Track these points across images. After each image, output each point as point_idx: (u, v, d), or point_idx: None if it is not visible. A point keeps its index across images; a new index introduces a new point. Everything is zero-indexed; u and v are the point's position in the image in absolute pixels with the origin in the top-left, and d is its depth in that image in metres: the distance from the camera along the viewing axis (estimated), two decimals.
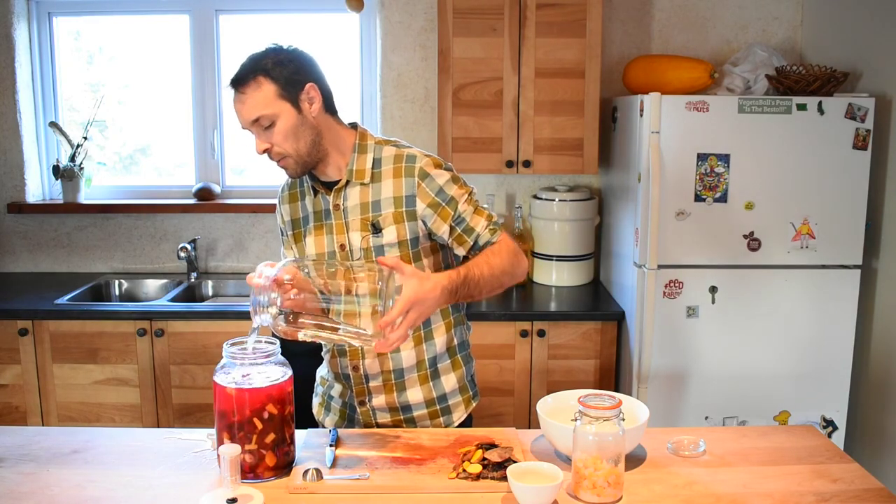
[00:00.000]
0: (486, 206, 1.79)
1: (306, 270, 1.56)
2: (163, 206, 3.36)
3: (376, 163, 1.75)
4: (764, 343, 2.72)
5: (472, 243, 1.74)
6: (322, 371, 1.95)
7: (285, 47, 1.69)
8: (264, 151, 1.68)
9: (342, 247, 1.76)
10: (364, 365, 1.80)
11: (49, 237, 3.44)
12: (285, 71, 1.65)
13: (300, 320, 1.54)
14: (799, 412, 2.76)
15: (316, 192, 1.79)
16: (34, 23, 3.37)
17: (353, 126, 1.80)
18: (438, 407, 1.84)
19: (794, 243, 2.68)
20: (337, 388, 1.89)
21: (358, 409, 1.84)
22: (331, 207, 1.76)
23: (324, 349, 1.90)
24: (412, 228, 1.73)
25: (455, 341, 1.85)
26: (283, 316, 1.51)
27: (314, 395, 1.98)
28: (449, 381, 1.84)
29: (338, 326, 1.56)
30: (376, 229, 1.73)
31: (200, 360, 2.86)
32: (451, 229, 1.74)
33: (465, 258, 1.78)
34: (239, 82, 1.64)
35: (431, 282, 1.53)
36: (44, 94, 3.44)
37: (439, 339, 1.81)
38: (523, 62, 2.96)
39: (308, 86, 1.67)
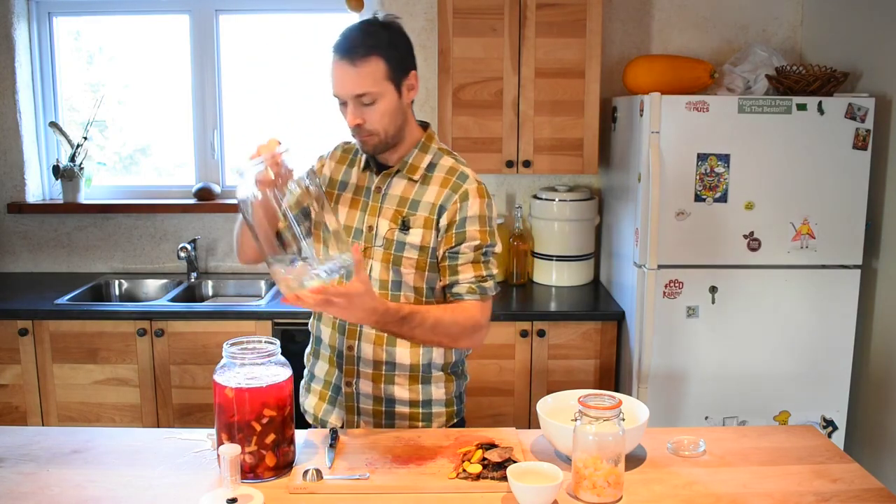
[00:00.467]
0: (493, 268, 1.77)
1: (315, 187, 1.56)
2: (163, 206, 3.36)
3: (431, 166, 1.77)
4: (764, 343, 2.72)
5: (448, 283, 1.75)
6: (308, 348, 1.93)
7: (395, 26, 1.69)
8: (356, 126, 1.67)
9: (370, 228, 1.77)
10: (360, 348, 1.79)
11: (49, 237, 3.44)
12: (397, 53, 1.66)
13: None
14: (799, 412, 2.76)
15: (366, 167, 1.80)
16: (34, 23, 3.37)
17: (423, 125, 1.82)
18: (421, 411, 1.83)
19: (794, 243, 2.68)
20: (322, 367, 1.86)
21: (343, 390, 1.83)
22: (373, 187, 1.78)
23: (316, 319, 1.88)
24: (436, 238, 1.75)
25: (453, 357, 1.85)
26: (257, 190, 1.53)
27: (303, 379, 1.96)
28: (437, 391, 1.84)
29: (282, 248, 1.57)
30: (405, 226, 1.74)
31: (200, 360, 2.86)
32: (444, 256, 1.75)
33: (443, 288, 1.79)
34: (352, 52, 1.62)
35: (372, 301, 1.53)
36: (44, 94, 3.44)
37: (437, 351, 1.81)
38: (523, 62, 2.96)
39: (412, 73, 1.71)
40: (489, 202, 1.76)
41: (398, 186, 1.77)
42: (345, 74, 1.63)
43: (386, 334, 1.77)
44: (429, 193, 1.75)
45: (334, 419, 1.84)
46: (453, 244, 1.73)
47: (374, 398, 1.82)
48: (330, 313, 1.55)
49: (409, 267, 1.75)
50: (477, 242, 1.73)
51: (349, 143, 1.88)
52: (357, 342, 1.80)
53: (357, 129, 1.69)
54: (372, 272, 1.77)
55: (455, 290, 1.74)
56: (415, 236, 1.74)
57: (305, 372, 1.93)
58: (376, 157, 1.79)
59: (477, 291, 1.74)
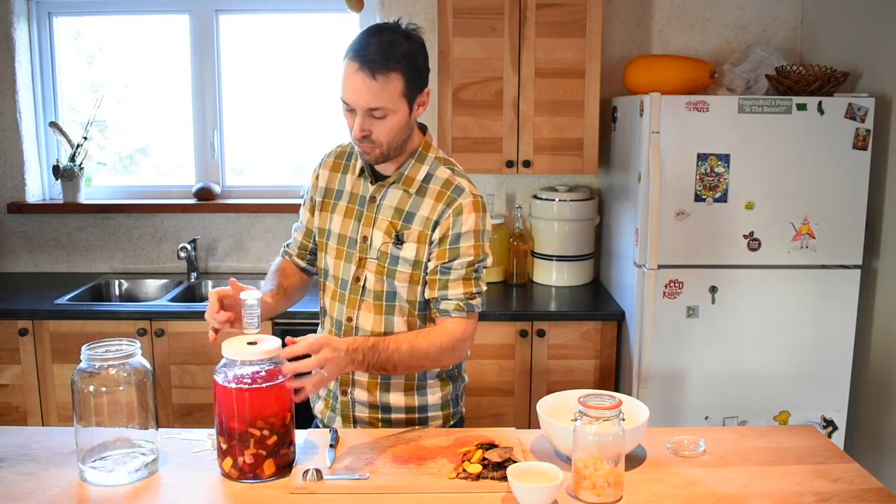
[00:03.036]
0: (482, 284, 1.75)
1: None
2: (163, 206, 3.36)
3: (427, 177, 1.74)
4: (764, 343, 2.72)
5: (436, 297, 1.73)
6: None
7: (414, 34, 1.65)
8: (363, 137, 1.64)
9: (364, 238, 1.76)
10: None
11: (49, 237, 3.44)
12: (416, 70, 1.63)
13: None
14: (799, 412, 2.76)
15: (361, 174, 1.78)
16: (34, 23, 3.37)
17: (422, 128, 1.80)
18: (417, 416, 1.83)
19: (794, 243, 2.68)
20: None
21: (339, 399, 1.84)
22: (368, 197, 1.76)
23: (320, 326, 1.90)
24: (429, 252, 1.73)
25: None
26: None
27: None
28: (433, 397, 1.83)
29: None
30: (399, 240, 1.72)
31: (200, 360, 2.86)
32: (434, 269, 1.72)
33: (427, 303, 1.77)
34: (373, 64, 1.57)
35: (339, 339, 1.59)
36: (44, 94, 3.44)
37: None
38: (523, 62, 2.96)
39: (426, 90, 1.68)
40: (484, 215, 1.73)
41: (393, 197, 1.74)
42: (362, 85, 1.58)
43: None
44: (424, 207, 1.72)
45: (336, 426, 1.85)
46: (446, 260, 1.70)
47: (369, 406, 1.82)
48: (329, 367, 1.54)
49: (402, 280, 1.74)
50: (470, 258, 1.71)
51: (342, 145, 1.87)
52: None
53: (361, 139, 1.65)
54: (366, 283, 1.76)
55: (442, 306, 1.71)
56: (409, 251, 1.72)
57: None
58: (373, 166, 1.77)
59: (464, 309, 1.71)
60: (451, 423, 1.88)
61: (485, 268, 1.76)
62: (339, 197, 1.81)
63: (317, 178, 1.87)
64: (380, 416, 1.82)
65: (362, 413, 1.83)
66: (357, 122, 1.63)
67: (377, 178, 1.77)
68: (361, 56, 1.58)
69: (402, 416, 1.82)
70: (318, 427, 1.91)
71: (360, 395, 1.82)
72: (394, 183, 1.74)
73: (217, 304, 1.64)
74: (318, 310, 1.90)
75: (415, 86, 1.63)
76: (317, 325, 1.93)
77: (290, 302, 1.87)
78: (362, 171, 1.78)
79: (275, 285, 1.82)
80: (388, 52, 1.58)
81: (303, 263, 1.94)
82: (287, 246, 1.97)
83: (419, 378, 1.81)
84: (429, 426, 1.84)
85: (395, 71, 1.58)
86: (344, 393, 1.83)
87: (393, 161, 1.73)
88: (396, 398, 1.81)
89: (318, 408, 1.92)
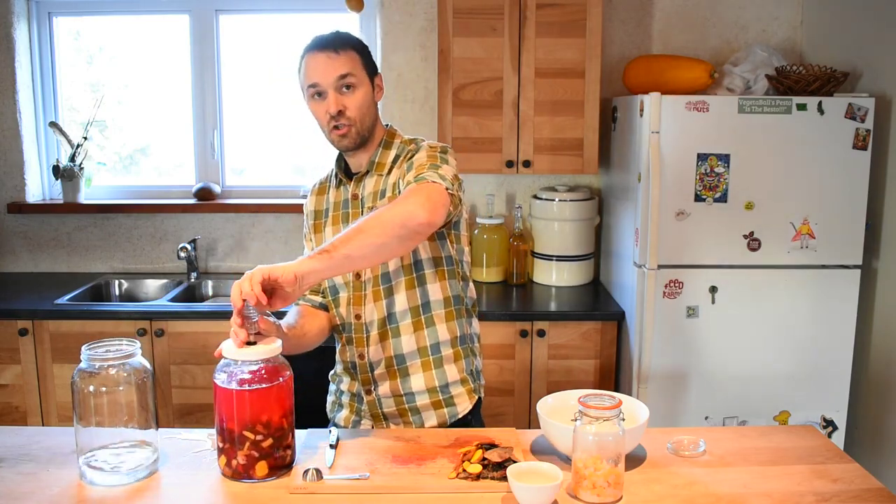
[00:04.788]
0: (446, 172, 1.66)
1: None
2: (163, 206, 3.37)
3: (396, 158, 1.82)
4: (764, 343, 2.72)
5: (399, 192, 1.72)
6: (335, 368, 1.98)
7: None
8: (338, 112, 1.72)
9: None
10: (368, 353, 1.82)
11: (49, 237, 3.44)
12: (368, 54, 1.80)
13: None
14: (799, 412, 2.76)
15: (339, 184, 1.86)
16: (34, 23, 3.37)
17: (385, 125, 1.90)
18: (441, 397, 1.84)
19: (794, 243, 2.68)
20: (346, 382, 1.91)
21: (364, 399, 1.86)
22: (350, 197, 1.83)
23: (336, 342, 1.92)
24: None
25: (457, 332, 1.85)
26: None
27: (328, 394, 2.00)
28: (451, 371, 1.84)
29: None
30: None
31: (200, 360, 2.86)
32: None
33: None
34: (331, 44, 1.73)
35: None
36: (44, 94, 3.44)
37: (440, 327, 1.82)
38: (523, 62, 2.96)
39: (379, 75, 1.83)
40: (443, 149, 1.76)
41: (370, 186, 1.82)
42: (327, 59, 1.71)
43: (390, 329, 1.80)
44: (392, 176, 1.80)
45: (366, 429, 1.86)
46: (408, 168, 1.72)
47: (394, 398, 1.84)
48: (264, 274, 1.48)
49: None
50: (426, 159, 1.70)
51: (322, 178, 1.96)
52: (365, 348, 1.82)
53: (338, 117, 1.73)
54: (364, 275, 1.80)
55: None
56: None
57: (334, 389, 1.97)
58: (348, 168, 1.85)
59: (424, 175, 1.63)
60: (476, 396, 1.88)
61: (441, 167, 1.67)
62: (326, 214, 1.89)
63: (306, 207, 1.95)
64: (406, 405, 1.84)
65: (389, 408, 1.85)
66: (330, 98, 1.73)
67: (351, 176, 1.85)
68: (319, 44, 1.74)
69: (427, 400, 1.83)
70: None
71: (384, 388, 1.84)
72: (367, 173, 1.82)
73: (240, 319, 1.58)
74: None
75: (370, 66, 1.78)
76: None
77: (305, 338, 1.79)
78: (340, 181, 1.86)
79: (292, 321, 1.79)
80: (342, 36, 1.77)
81: (318, 298, 1.91)
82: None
83: (433, 352, 1.81)
84: (457, 408, 1.84)
85: (351, 49, 1.75)
86: (368, 392, 1.85)
87: (364, 152, 1.81)
88: (417, 381, 1.82)
89: (341, 417, 1.92)
